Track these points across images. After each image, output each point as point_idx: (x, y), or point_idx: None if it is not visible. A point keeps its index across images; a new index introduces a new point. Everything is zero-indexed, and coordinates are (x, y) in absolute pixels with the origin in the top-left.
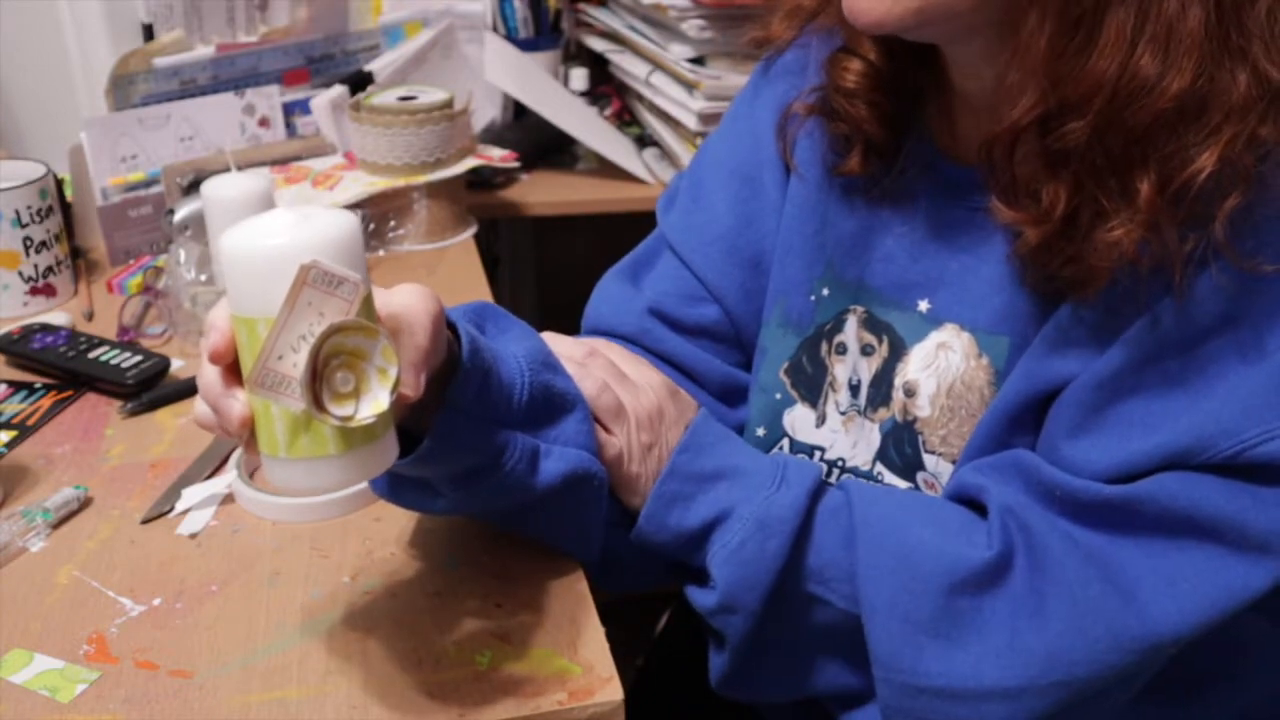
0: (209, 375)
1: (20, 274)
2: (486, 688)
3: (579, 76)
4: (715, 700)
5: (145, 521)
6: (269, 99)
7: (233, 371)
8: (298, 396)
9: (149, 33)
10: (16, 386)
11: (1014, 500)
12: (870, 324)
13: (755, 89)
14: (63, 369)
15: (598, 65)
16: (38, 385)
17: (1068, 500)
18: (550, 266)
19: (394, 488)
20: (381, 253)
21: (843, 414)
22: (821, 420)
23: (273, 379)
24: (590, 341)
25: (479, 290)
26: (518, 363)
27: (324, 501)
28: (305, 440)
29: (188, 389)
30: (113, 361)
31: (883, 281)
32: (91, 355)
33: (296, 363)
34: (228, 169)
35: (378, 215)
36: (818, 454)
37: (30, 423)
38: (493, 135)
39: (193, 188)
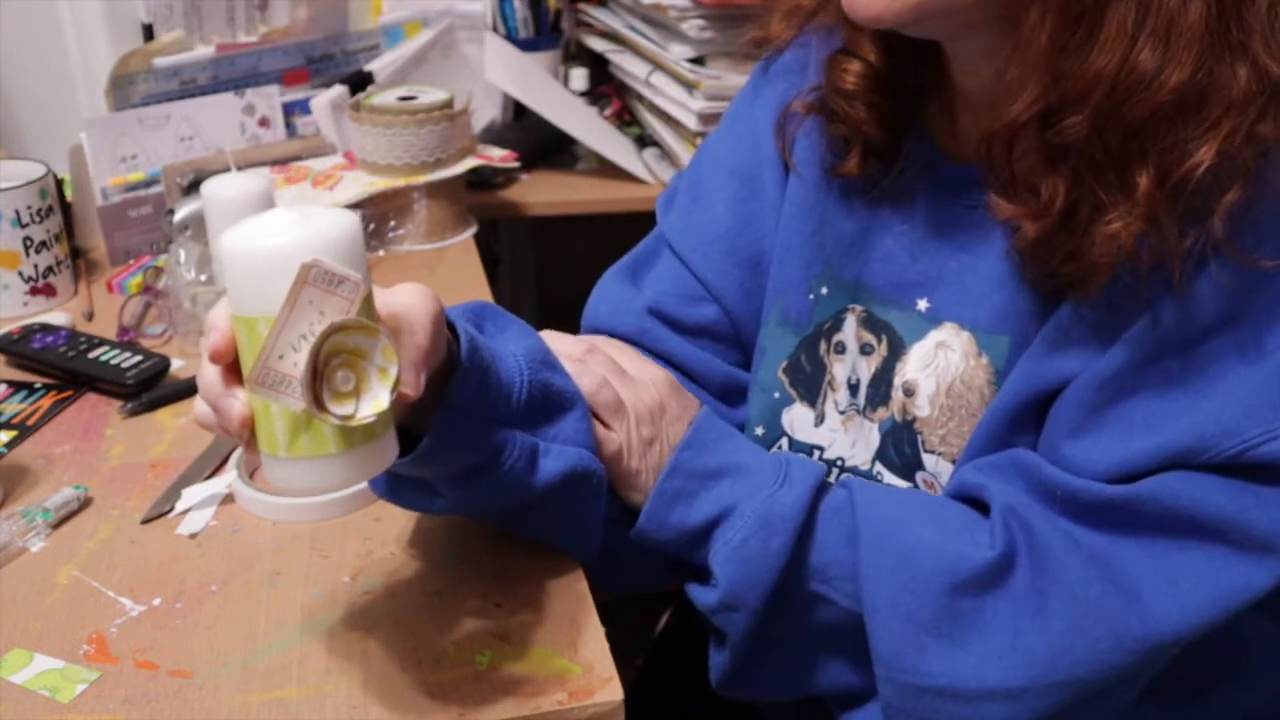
0: (209, 375)
1: (20, 274)
2: (486, 687)
3: (579, 76)
4: (715, 700)
5: (145, 521)
6: (269, 99)
7: (233, 371)
8: (298, 395)
9: (149, 33)
10: (16, 386)
11: (1016, 499)
12: (869, 323)
13: (755, 89)
14: (63, 369)
15: (598, 65)
16: (38, 385)
17: (1069, 500)
18: (550, 266)
19: (393, 487)
20: (381, 253)
21: (841, 413)
22: (820, 419)
23: (273, 378)
24: (590, 339)
25: (479, 290)
26: (516, 361)
27: (324, 501)
28: (305, 439)
29: (188, 389)
30: (113, 361)
31: (881, 280)
32: (91, 355)
33: (297, 362)
34: (228, 169)
35: (378, 215)
36: (816, 453)
37: (30, 423)
38: (493, 135)
39: (193, 188)
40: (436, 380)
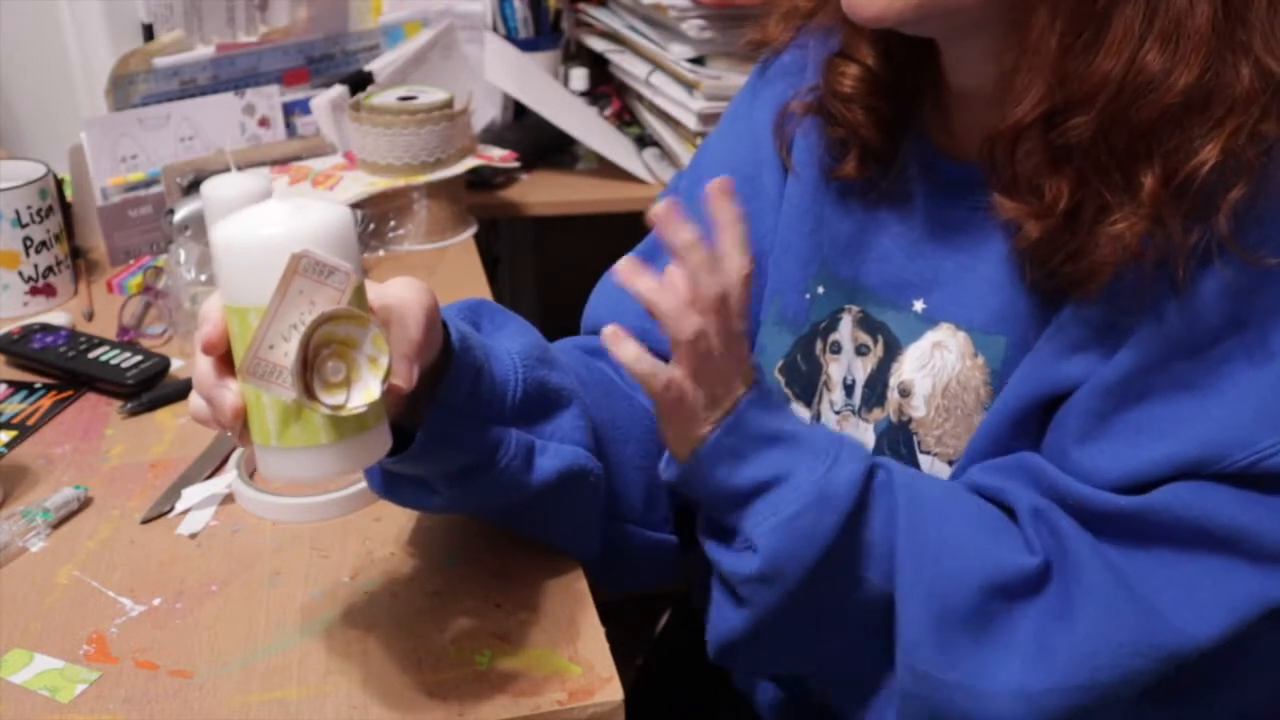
0: (202, 366)
1: (20, 274)
2: (486, 687)
3: (579, 76)
4: (715, 700)
5: (145, 521)
6: (269, 99)
7: (226, 362)
8: (289, 385)
9: (149, 33)
10: (16, 386)
11: (1041, 503)
12: (865, 324)
13: (753, 90)
14: (63, 369)
15: (598, 65)
16: (38, 385)
17: (1078, 508)
18: (550, 266)
19: (390, 485)
20: (381, 253)
21: (837, 413)
22: (816, 419)
23: (264, 368)
24: None
25: (479, 290)
26: (512, 359)
27: (324, 501)
28: (296, 429)
29: (188, 389)
30: (113, 361)
31: (878, 281)
32: (91, 355)
33: (288, 352)
34: (228, 169)
35: (378, 215)
36: None
37: (30, 423)
38: (493, 135)
39: (193, 188)
40: (432, 377)
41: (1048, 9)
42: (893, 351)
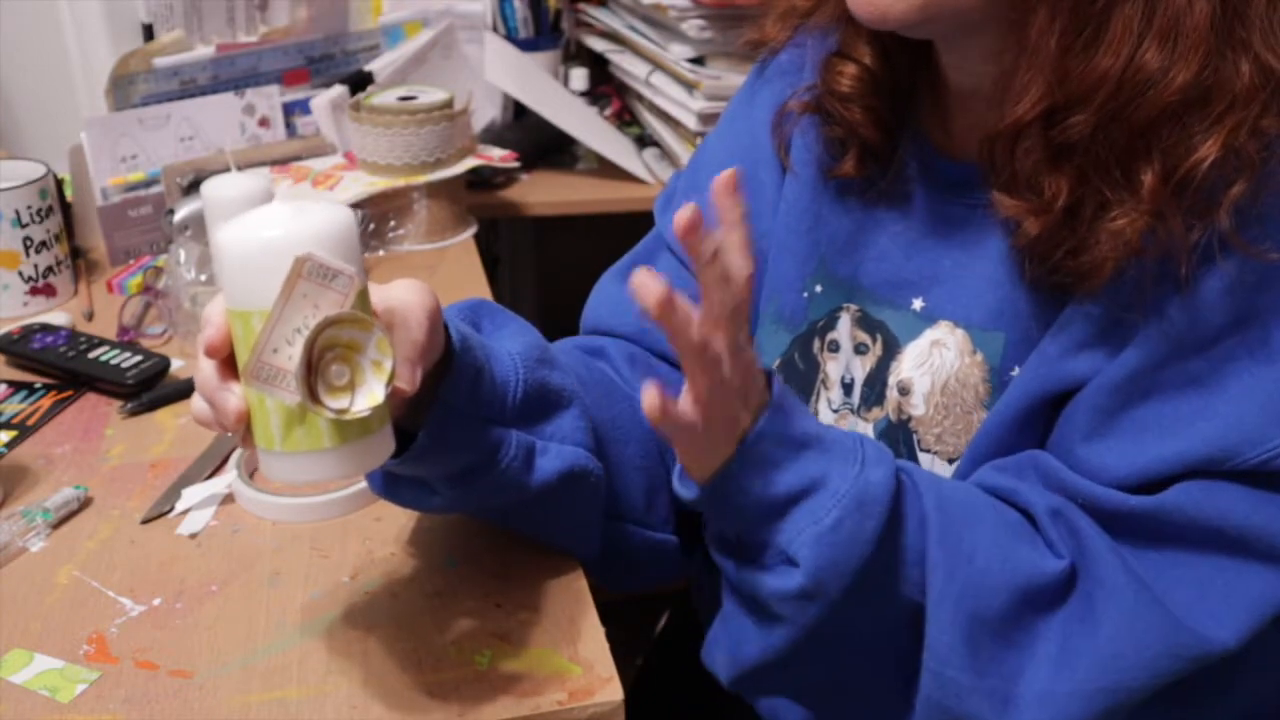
0: (205, 370)
1: (20, 274)
2: (486, 687)
3: (579, 76)
4: (715, 700)
5: (145, 521)
6: (269, 99)
7: (228, 366)
8: (292, 389)
9: (149, 33)
10: (16, 386)
11: (1058, 503)
12: (864, 323)
13: (751, 89)
14: (63, 369)
15: (598, 65)
16: (38, 385)
17: (1089, 508)
18: (550, 266)
19: (390, 486)
20: (381, 253)
21: (835, 412)
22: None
23: (267, 372)
24: None
25: (479, 290)
26: (512, 360)
27: (324, 501)
28: (300, 433)
29: (188, 389)
30: (113, 361)
31: (876, 280)
32: (91, 355)
33: (291, 355)
34: (228, 169)
35: (378, 215)
36: None
37: (30, 423)
38: (493, 135)
39: (193, 188)
40: (433, 378)
41: (1048, 9)
42: (891, 350)
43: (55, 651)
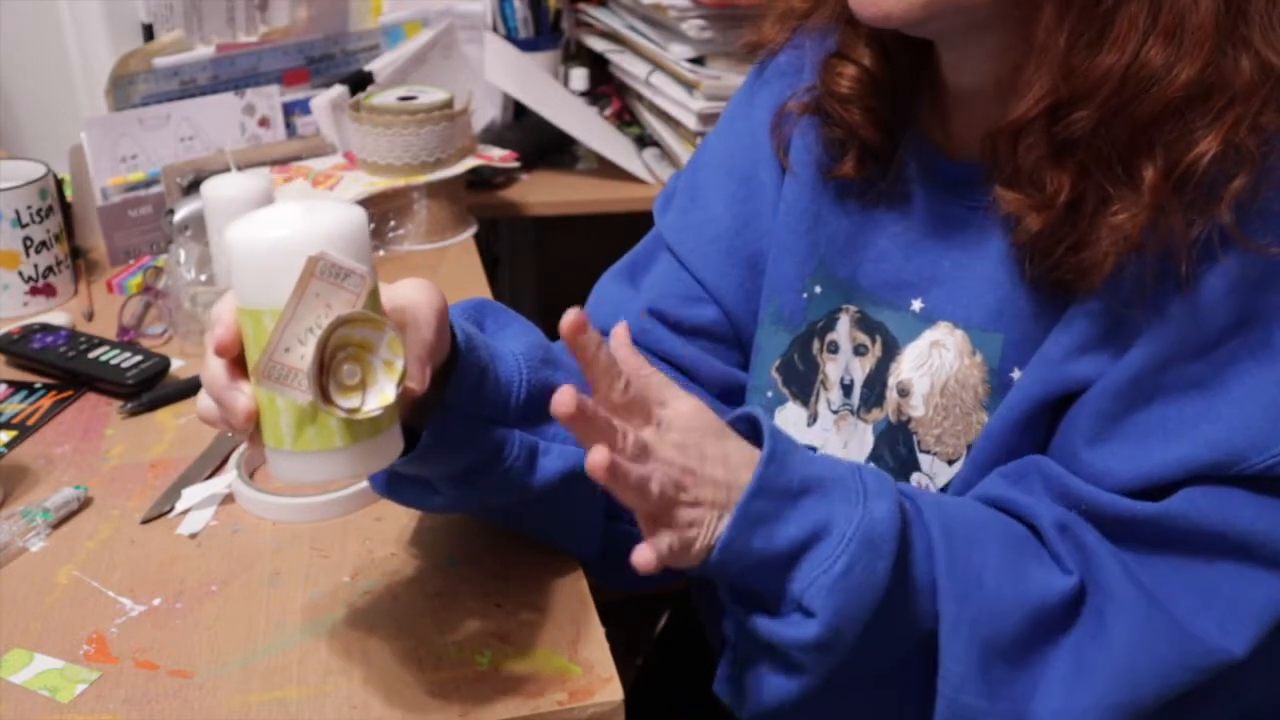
0: (214, 368)
1: (20, 274)
2: (486, 688)
3: (579, 76)
4: (715, 700)
5: (145, 521)
6: (269, 99)
7: (238, 365)
8: (304, 389)
9: (149, 33)
10: (16, 386)
11: (1064, 516)
12: (863, 324)
13: (750, 91)
14: (63, 369)
15: (598, 65)
16: (38, 385)
17: (1093, 515)
18: (550, 266)
19: (392, 485)
20: (382, 253)
21: (834, 413)
22: (813, 419)
23: (279, 371)
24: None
25: (479, 290)
26: (516, 360)
27: (324, 501)
28: (311, 433)
29: (188, 389)
30: (113, 361)
31: (875, 281)
32: (91, 355)
33: (303, 355)
34: (228, 169)
35: (378, 215)
36: None
37: (30, 423)
38: (493, 135)
39: (193, 188)
40: (438, 378)
41: (1055, 6)
42: (891, 351)
43: (55, 651)
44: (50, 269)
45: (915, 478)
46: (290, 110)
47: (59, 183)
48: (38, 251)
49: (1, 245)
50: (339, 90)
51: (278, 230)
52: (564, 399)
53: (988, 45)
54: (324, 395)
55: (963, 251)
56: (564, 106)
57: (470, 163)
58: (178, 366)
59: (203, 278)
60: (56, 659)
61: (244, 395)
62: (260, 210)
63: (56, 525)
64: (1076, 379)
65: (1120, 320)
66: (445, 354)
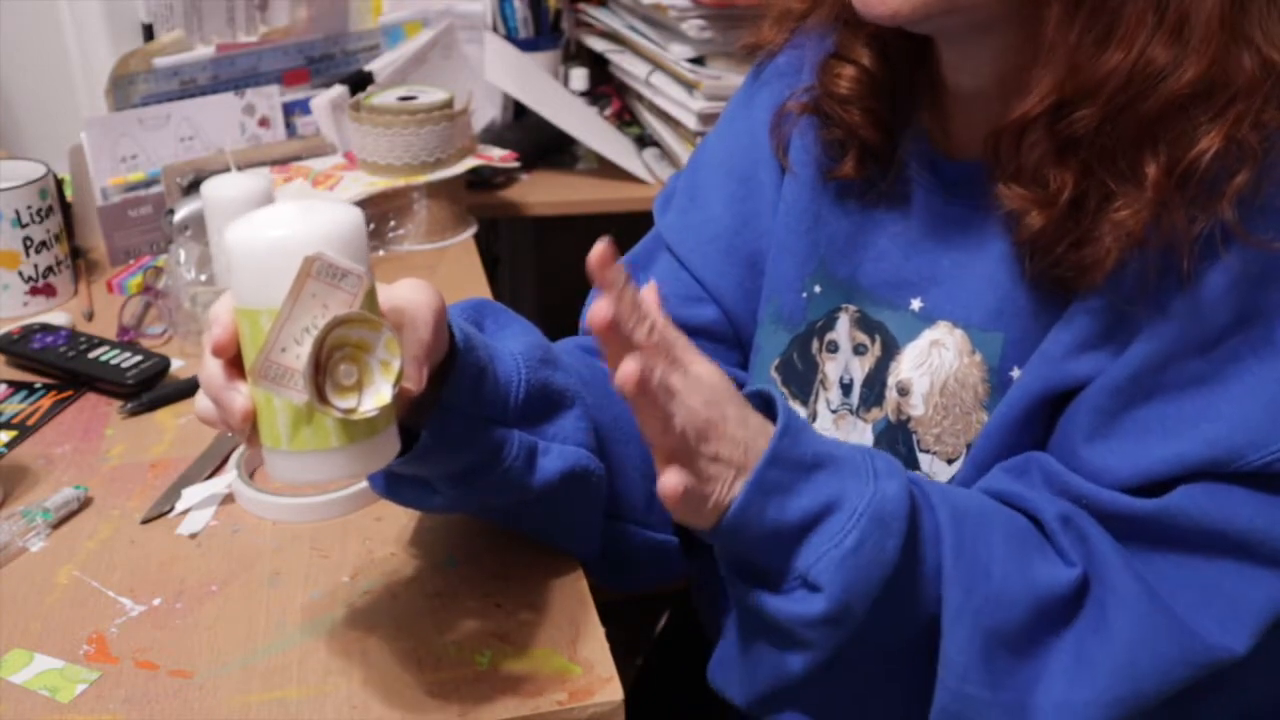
0: (211, 368)
1: (20, 274)
2: (486, 688)
3: (579, 76)
4: (715, 700)
5: (145, 521)
6: (269, 99)
7: (235, 365)
8: (300, 389)
9: (149, 33)
10: (16, 386)
11: (1067, 509)
12: (863, 324)
13: (749, 93)
14: (63, 369)
15: (598, 65)
16: (38, 385)
17: (1093, 511)
18: (550, 266)
19: (391, 485)
20: (381, 253)
21: (834, 412)
22: (813, 418)
23: (276, 371)
24: None
25: (479, 290)
26: (515, 360)
27: (324, 501)
28: (307, 433)
29: (188, 389)
30: (113, 361)
31: (875, 281)
32: (91, 355)
33: (300, 355)
34: (228, 169)
35: (378, 215)
36: None
37: (30, 423)
38: (493, 135)
39: (193, 188)
40: (436, 378)
41: (1063, 5)
42: (890, 351)
43: (55, 651)
44: (50, 269)
45: (914, 477)
46: (290, 110)
47: (59, 183)
48: (38, 251)
49: (1, 245)
50: (339, 90)
51: (274, 230)
52: (600, 311)
53: (990, 44)
54: (320, 395)
55: (962, 251)
56: (564, 106)
57: (470, 163)
58: (178, 366)
59: (203, 278)
60: (56, 659)
61: (241, 395)
62: (257, 210)
63: (56, 525)
64: (1077, 376)
65: (1121, 317)
66: (443, 354)
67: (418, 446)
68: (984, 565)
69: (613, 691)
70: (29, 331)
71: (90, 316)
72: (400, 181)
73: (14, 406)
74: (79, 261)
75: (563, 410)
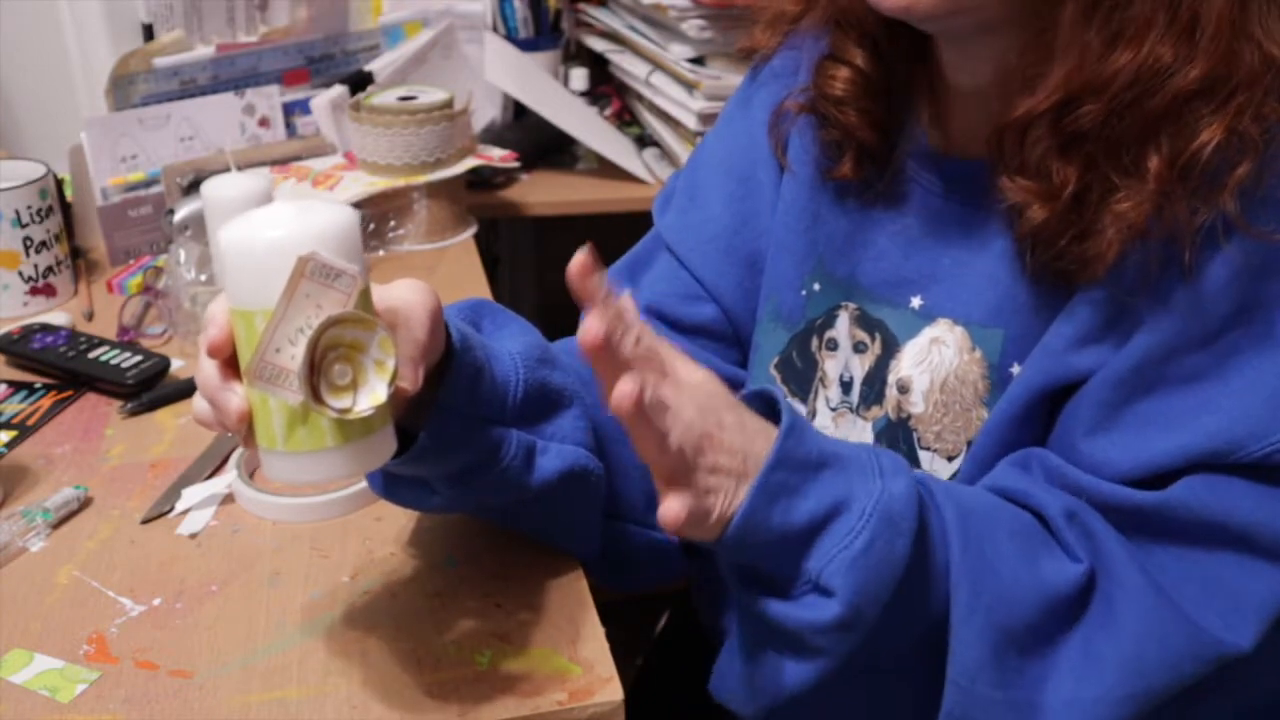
0: (207, 369)
1: (20, 274)
2: (486, 688)
3: (579, 76)
4: (715, 701)
5: (145, 521)
6: (269, 99)
7: (231, 365)
8: (295, 389)
9: (149, 33)
10: (16, 386)
11: (1072, 504)
12: (863, 322)
13: (746, 94)
14: (63, 369)
15: (598, 65)
16: (38, 385)
17: (1094, 504)
18: (550, 266)
19: (389, 485)
20: (381, 253)
21: (833, 410)
22: (812, 416)
23: (270, 371)
24: None
25: (479, 290)
26: (513, 359)
27: (324, 501)
28: (303, 433)
29: (188, 389)
30: (113, 361)
31: (874, 279)
32: (91, 355)
33: (294, 355)
34: (228, 169)
35: (378, 215)
36: None
37: (30, 423)
38: (493, 135)
39: (193, 188)
40: (433, 378)
41: (1078, 6)
42: (890, 348)
43: (55, 651)
44: (50, 269)
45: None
46: (290, 110)
47: (59, 183)
48: (38, 251)
49: (1, 245)
50: (339, 90)
51: (268, 231)
52: (591, 329)
53: (992, 44)
54: (315, 395)
55: (962, 248)
56: (564, 106)
57: (470, 163)
58: (178, 366)
59: (203, 278)
60: (56, 659)
61: (236, 396)
62: (252, 211)
63: (56, 525)
64: (1078, 370)
65: (1123, 309)
66: (440, 354)
67: (415, 447)
68: (991, 563)
69: (613, 691)
70: (29, 331)
71: (90, 316)
72: (400, 181)
73: (14, 406)
74: (79, 261)
75: (561, 410)
